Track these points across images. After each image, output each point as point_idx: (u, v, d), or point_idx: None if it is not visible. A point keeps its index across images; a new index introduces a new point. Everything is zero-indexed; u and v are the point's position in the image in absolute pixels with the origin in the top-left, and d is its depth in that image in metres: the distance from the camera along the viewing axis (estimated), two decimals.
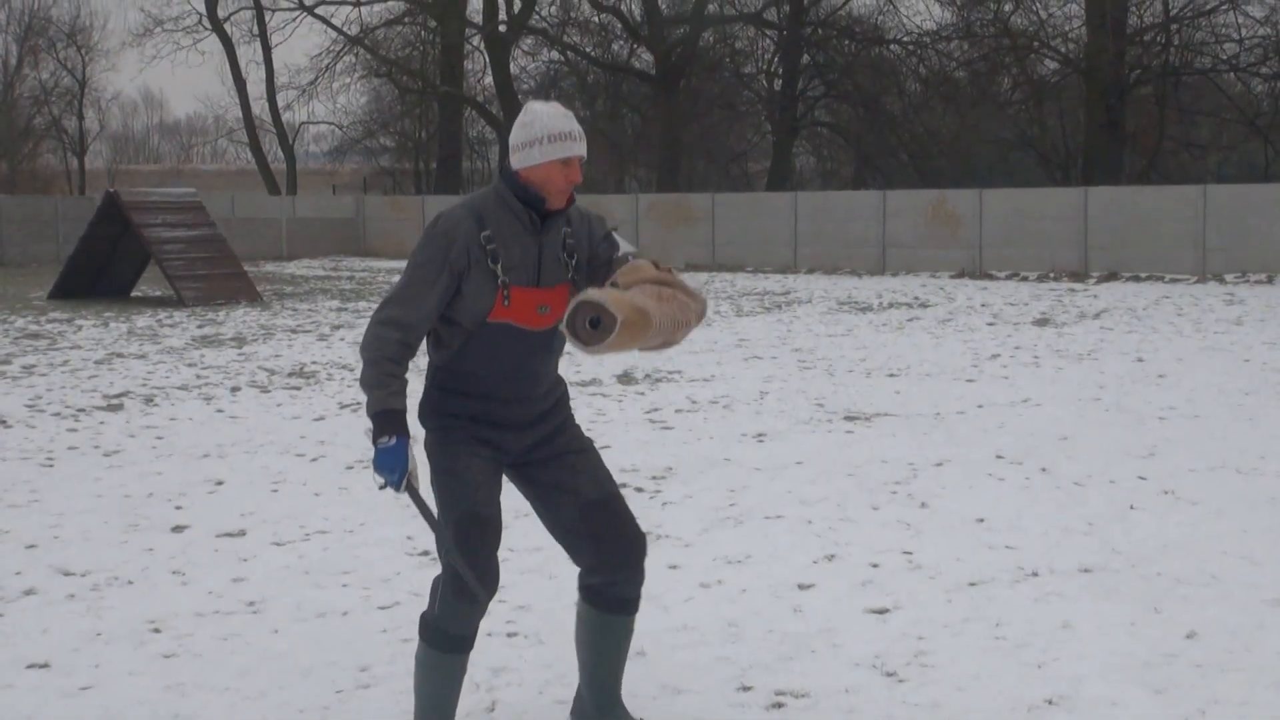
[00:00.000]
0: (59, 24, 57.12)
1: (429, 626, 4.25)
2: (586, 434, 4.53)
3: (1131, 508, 7.88)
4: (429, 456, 4.29)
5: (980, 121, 43.03)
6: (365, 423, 4.15)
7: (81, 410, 12.03)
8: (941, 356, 15.63)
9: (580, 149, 4.18)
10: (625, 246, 4.33)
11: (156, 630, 5.82)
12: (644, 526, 6.81)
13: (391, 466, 4.03)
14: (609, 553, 4.36)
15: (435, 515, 4.16)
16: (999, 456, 9.50)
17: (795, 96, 47.17)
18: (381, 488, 4.10)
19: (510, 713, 4.87)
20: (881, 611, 5.97)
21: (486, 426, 4.24)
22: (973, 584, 6.36)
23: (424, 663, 4.30)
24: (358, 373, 4.06)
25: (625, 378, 13.85)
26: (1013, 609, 5.95)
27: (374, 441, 4.06)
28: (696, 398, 12.45)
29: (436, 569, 6.64)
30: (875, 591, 6.27)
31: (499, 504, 4.25)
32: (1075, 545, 7.05)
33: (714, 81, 49.37)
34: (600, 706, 4.58)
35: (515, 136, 4.21)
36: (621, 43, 50.67)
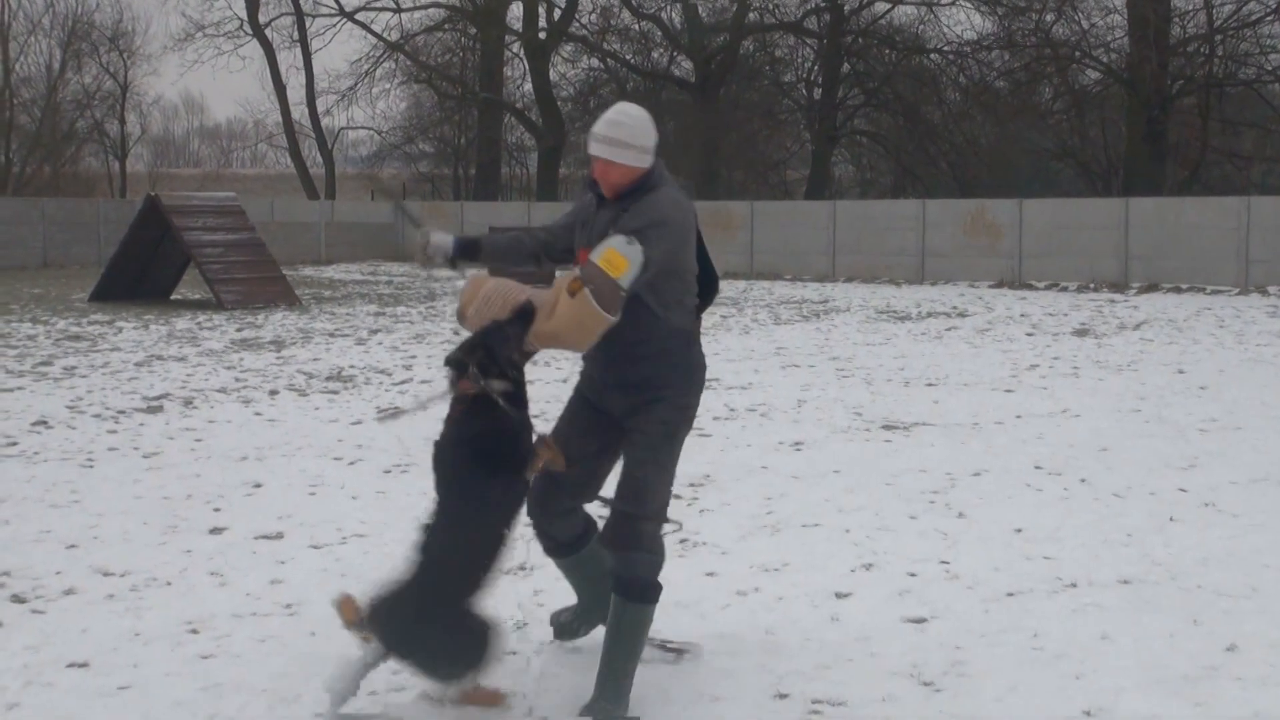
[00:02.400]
0: (102, 28, 57.50)
1: None
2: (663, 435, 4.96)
3: (1171, 519, 7.82)
4: None
5: (1020, 131, 42.80)
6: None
7: (121, 412, 12.12)
8: (980, 366, 15.55)
9: (597, 150, 4.79)
10: (596, 253, 4.64)
11: (194, 631, 5.86)
12: (681, 533, 6.83)
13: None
14: (606, 526, 4.92)
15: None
16: (1037, 467, 9.45)
17: (835, 105, 47.08)
18: None
19: None
20: (919, 621, 5.95)
21: (589, 386, 5.06)
22: (1010, 594, 6.33)
23: None
24: None
25: None
26: (1051, 620, 5.92)
27: None
28: (734, 405, 12.44)
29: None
30: (913, 601, 6.25)
31: (577, 446, 4.98)
32: (1114, 556, 7.00)
33: (753, 89, 49.32)
34: (597, 690, 4.85)
35: None
36: (661, 50, 50.70)
